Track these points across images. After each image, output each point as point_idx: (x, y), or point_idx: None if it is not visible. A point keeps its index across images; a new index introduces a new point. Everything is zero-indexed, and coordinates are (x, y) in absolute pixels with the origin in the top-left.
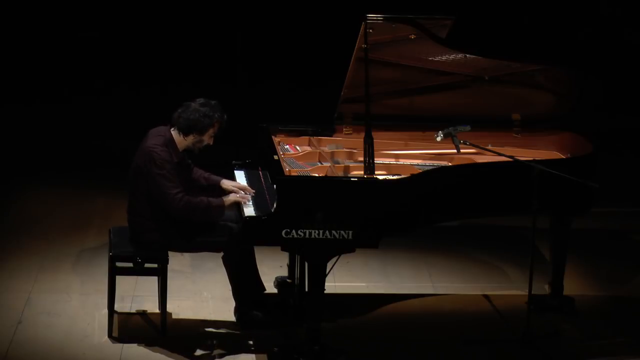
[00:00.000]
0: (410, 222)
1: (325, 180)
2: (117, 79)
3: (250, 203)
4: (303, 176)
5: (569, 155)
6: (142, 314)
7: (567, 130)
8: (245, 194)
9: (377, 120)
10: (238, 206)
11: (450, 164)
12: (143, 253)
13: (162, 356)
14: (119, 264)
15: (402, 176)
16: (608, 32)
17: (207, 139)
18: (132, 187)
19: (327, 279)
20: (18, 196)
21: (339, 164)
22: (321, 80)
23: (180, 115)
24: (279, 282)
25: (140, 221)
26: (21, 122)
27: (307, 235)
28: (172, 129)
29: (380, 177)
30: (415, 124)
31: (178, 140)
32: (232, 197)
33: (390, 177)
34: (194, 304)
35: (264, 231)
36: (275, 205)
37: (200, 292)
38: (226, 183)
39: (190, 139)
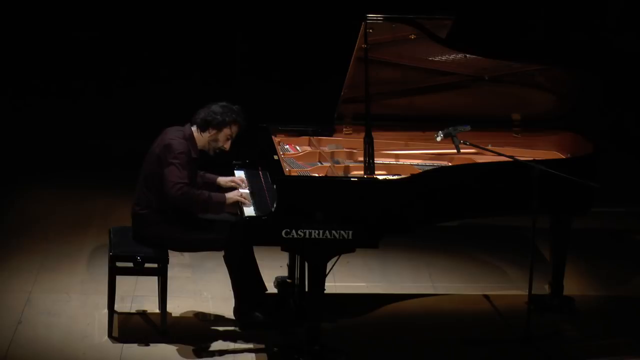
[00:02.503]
0: (410, 222)
1: (325, 180)
2: (118, 79)
3: (251, 203)
4: (303, 176)
5: (569, 155)
6: (142, 314)
7: (567, 130)
8: (243, 187)
9: (377, 120)
10: (238, 205)
11: (450, 164)
12: (143, 252)
13: (162, 356)
14: (119, 264)
15: (402, 176)
16: (606, 33)
17: (223, 139)
18: (147, 179)
19: (327, 279)
20: (18, 196)
21: (339, 164)
22: (321, 79)
23: (200, 112)
24: (279, 282)
25: (149, 213)
26: (21, 122)
27: (307, 235)
28: (193, 126)
29: (380, 177)
30: (415, 124)
31: (197, 137)
32: (234, 196)
33: (390, 177)
34: (194, 304)
35: (264, 231)
36: (275, 205)
37: (200, 292)
38: (223, 180)
39: (207, 135)
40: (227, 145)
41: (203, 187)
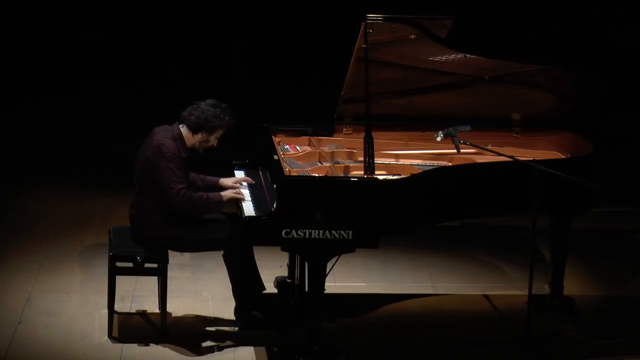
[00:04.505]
0: (410, 222)
1: (325, 180)
2: (117, 79)
3: (250, 201)
4: (303, 176)
5: (569, 155)
6: (142, 314)
7: (567, 130)
8: (242, 186)
9: (377, 120)
10: (238, 205)
11: (450, 164)
12: (143, 252)
13: (162, 356)
14: (119, 264)
15: (402, 176)
16: (603, 31)
17: (213, 140)
18: (139, 181)
19: (327, 279)
20: (18, 196)
21: (339, 164)
22: (321, 80)
23: (192, 113)
24: (279, 282)
25: (145, 215)
26: (21, 121)
27: (307, 235)
28: (181, 125)
29: (380, 177)
30: (415, 124)
31: (187, 137)
32: (229, 193)
33: (390, 177)
34: (194, 304)
35: (264, 231)
36: (275, 205)
37: (200, 292)
38: (225, 181)
39: (199, 137)
40: (216, 144)
41: (204, 190)
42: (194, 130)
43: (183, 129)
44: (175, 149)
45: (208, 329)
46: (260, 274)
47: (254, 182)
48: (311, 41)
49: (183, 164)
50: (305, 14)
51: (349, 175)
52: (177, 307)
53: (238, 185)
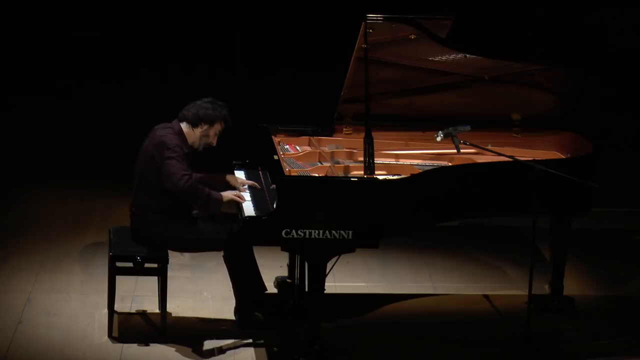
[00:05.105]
0: (410, 222)
1: (325, 180)
2: (117, 79)
3: (249, 201)
4: (303, 176)
5: (569, 155)
6: (142, 314)
7: (567, 130)
8: (245, 189)
9: (377, 120)
10: (238, 205)
11: (450, 164)
12: (143, 252)
13: (162, 356)
14: (119, 264)
15: (402, 176)
16: (599, 32)
17: (213, 135)
18: (141, 180)
19: (327, 279)
20: (18, 196)
21: (339, 164)
22: (321, 79)
23: (189, 109)
24: (279, 282)
25: (145, 214)
26: (21, 121)
27: (307, 235)
28: (181, 123)
29: (380, 177)
30: (415, 124)
31: (187, 132)
32: (230, 195)
33: (390, 177)
34: (194, 304)
35: (264, 231)
36: (275, 205)
37: (200, 292)
38: (231, 179)
39: (199, 130)
40: (215, 141)
41: (208, 184)
42: (194, 123)
43: (183, 125)
44: (177, 141)
45: (208, 329)
46: (260, 274)
47: (259, 187)
48: (311, 41)
49: (186, 158)
50: (306, 13)
51: (349, 175)
52: (177, 307)
53: (242, 187)
